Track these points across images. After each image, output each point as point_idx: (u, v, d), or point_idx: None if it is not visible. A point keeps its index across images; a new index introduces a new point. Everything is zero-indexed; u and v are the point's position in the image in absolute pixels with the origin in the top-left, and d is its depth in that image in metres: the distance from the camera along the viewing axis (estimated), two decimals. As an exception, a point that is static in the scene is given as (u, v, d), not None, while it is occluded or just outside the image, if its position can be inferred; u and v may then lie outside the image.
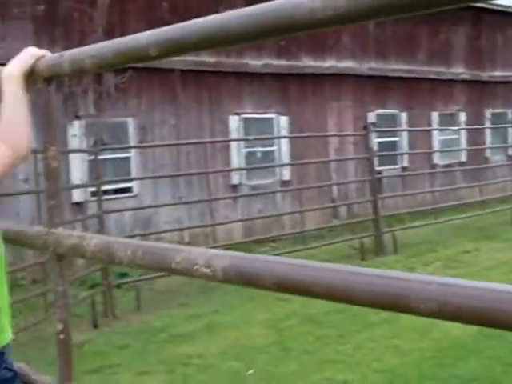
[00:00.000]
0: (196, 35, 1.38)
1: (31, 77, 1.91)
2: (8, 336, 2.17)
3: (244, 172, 15.09)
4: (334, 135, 16.60)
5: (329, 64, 16.41)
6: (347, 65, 17.06)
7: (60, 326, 1.93)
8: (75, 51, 1.75)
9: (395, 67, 18.31)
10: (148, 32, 1.49)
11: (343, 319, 8.43)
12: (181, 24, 1.44)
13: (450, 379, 6.14)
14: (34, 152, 9.28)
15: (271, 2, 1.24)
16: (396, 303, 1.10)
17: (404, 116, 18.83)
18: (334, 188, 16.65)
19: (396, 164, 18.35)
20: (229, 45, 1.39)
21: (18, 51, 7.71)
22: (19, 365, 2.33)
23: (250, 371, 6.74)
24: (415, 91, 18.99)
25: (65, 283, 1.91)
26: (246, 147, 15.26)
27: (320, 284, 1.21)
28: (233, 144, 14.97)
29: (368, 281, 1.14)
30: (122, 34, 7.73)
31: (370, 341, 7.45)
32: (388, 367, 6.59)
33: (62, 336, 1.94)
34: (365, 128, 14.03)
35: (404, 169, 18.42)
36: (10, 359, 2.17)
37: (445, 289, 1.03)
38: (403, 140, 18.65)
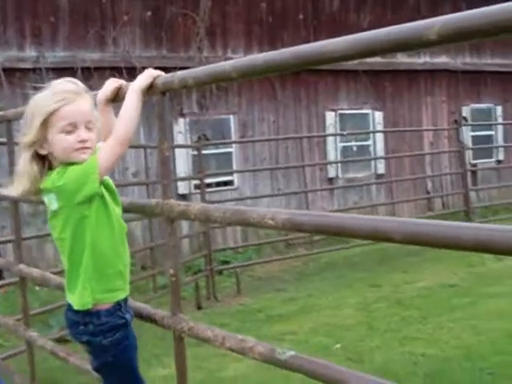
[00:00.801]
0: (263, 64, 2.08)
1: (150, 90, 2.67)
2: (123, 294, 2.94)
3: (340, 166, 15.69)
4: (426, 129, 17.00)
5: (423, 60, 16.80)
6: (441, 60, 17.40)
7: (172, 271, 2.65)
8: (182, 73, 2.48)
9: (490, 62, 18.51)
10: (232, 61, 2.20)
11: (428, 303, 8.96)
12: (255, 56, 2.13)
13: (523, 354, 6.61)
14: (144, 147, 10.16)
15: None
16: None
17: (499, 110, 18.98)
18: (429, 181, 17.06)
19: (491, 157, 18.54)
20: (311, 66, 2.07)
21: (127, 54, 8.59)
22: (139, 304, 3.06)
23: (337, 345, 7.38)
24: (510, 85, 19.10)
25: (175, 240, 2.64)
26: (342, 142, 15.85)
27: (337, 225, 1.88)
28: (329, 139, 15.58)
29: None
30: (223, 35, 8.65)
31: (450, 322, 7.94)
32: (465, 344, 7.08)
33: (173, 278, 2.66)
34: (456, 122, 14.43)
35: (499, 162, 18.58)
36: (123, 311, 2.94)
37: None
38: (498, 134, 18.78)
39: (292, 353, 2.11)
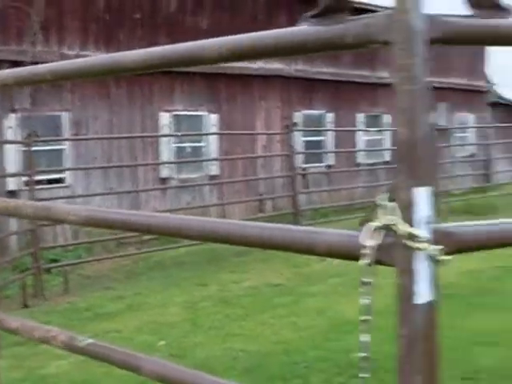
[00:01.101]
0: (76, 69, 2.20)
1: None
2: None
3: (174, 166, 15.84)
4: (259, 133, 17.46)
5: (257, 65, 17.23)
6: (275, 66, 17.90)
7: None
8: (1, 73, 2.57)
9: (321, 70, 19.20)
10: (47, 64, 2.32)
11: (253, 301, 9.28)
12: (70, 61, 2.26)
13: (337, 349, 6.97)
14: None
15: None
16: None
17: (330, 116, 19.73)
18: (261, 183, 17.49)
19: (321, 162, 19.24)
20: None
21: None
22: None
23: (162, 342, 7.53)
24: (341, 93, 19.92)
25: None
26: (176, 143, 16.02)
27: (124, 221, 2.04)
28: (163, 139, 15.71)
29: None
30: (58, 30, 8.58)
31: (272, 319, 8.28)
32: (285, 340, 7.42)
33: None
34: (287, 127, 14.90)
35: (329, 167, 19.29)
36: None
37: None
38: (328, 139, 19.56)
39: (90, 340, 2.25)
